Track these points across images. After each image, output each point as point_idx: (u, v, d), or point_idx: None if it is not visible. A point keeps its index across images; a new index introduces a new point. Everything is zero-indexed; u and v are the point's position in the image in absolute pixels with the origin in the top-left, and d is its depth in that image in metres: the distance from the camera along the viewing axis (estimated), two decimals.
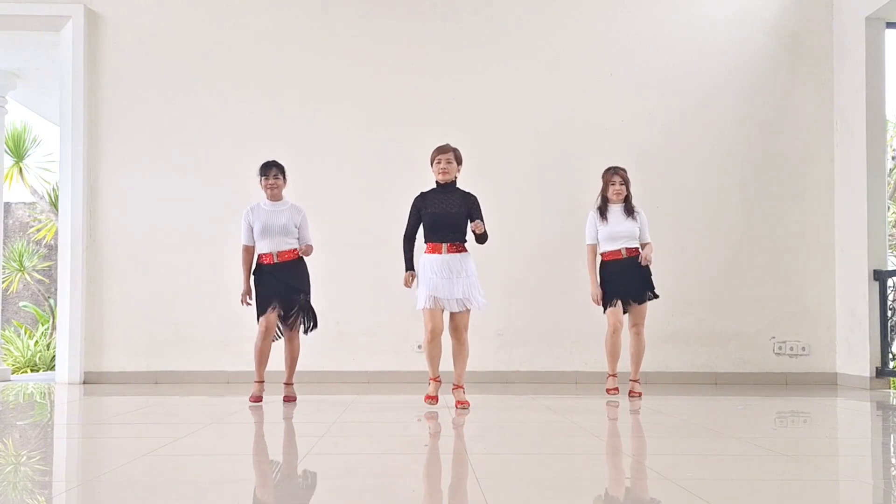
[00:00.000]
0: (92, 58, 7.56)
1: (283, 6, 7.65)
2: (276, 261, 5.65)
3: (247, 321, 7.15)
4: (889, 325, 7.05)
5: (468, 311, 5.29)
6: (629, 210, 6.11)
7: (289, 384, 5.84)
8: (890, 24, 7.22)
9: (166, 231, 7.51)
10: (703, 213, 7.58)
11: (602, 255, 6.16)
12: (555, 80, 7.63)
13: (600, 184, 6.29)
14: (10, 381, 8.09)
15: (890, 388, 7.05)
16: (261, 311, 5.65)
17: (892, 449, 4.34)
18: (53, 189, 12.38)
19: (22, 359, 11.66)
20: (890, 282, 7.06)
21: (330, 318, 7.44)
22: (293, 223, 5.71)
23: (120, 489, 3.05)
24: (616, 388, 6.19)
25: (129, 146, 7.56)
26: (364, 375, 7.40)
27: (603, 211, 6.12)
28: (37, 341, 12.01)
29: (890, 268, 7.31)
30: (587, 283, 6.29)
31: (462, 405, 5.30)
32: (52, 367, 10.59)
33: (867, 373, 7.01)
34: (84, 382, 7.34)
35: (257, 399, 5.66)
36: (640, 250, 6.09)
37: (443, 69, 7.62)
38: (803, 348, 7.49)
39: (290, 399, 5.78)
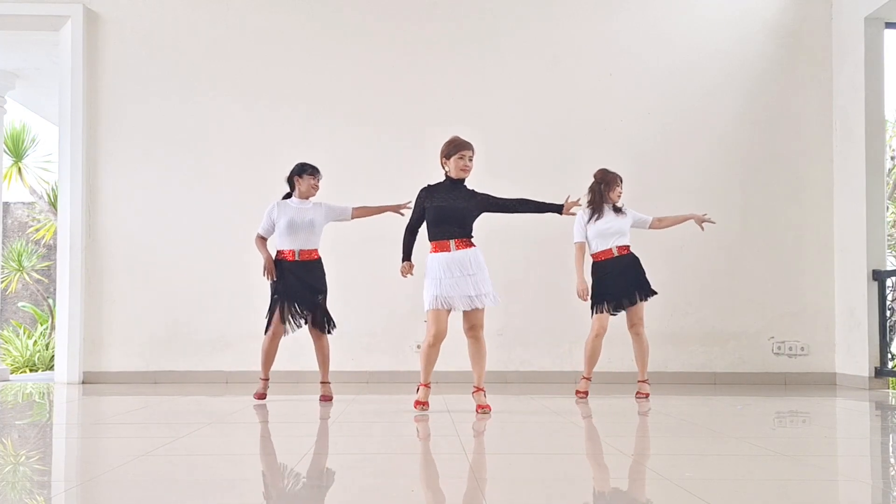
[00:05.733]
0: (91, 57, 7.55)
1: (283, 6, 7.65)
2: (297, 258, 5.65)
3: (246, 321, 7.18)
4: (888, 324, 7.06)
5: (482, 308, 4.99)
6: (617, 209, 6.12)
7: (325, 383, 5.84)
8: (889, 24, 7.22)
9: (165, 230, 7.50)
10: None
11: (593, 255, 6.12)
12: (554, 80, 7.63)
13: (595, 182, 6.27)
14: (9, 381, 8.08)
15: (889, 388, 7.06)
16: (274, 311, 5.64)
17: (891, 449, 4.34)
18: (52, 189, 12.36)
19: (21, 359, 11.64)
20: (889, 282, 7.08)
21: None
22: (320, 219, 5.72)
23: (120, 489, 3.05)
24: (586, 392, 6.06)
25: (128, 146, 7.56)
26: (363, 375, 7.40)
27: (598, 209, 6.08)
28: (35, 341, 11.99)
29: (889, 268, 7.32)
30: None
31: (483, 409, 5.02)
32: (51, 367, 10.58)
33: (866, 373, 7.01)
34: (83, 382, 7.34)
35: (261, 396, 5.73)
36: (630, 248, 6.06)
37: (443, 68, 7.62)
38: (802, 348, 7.49)
39: (326, 398, 5.76)
